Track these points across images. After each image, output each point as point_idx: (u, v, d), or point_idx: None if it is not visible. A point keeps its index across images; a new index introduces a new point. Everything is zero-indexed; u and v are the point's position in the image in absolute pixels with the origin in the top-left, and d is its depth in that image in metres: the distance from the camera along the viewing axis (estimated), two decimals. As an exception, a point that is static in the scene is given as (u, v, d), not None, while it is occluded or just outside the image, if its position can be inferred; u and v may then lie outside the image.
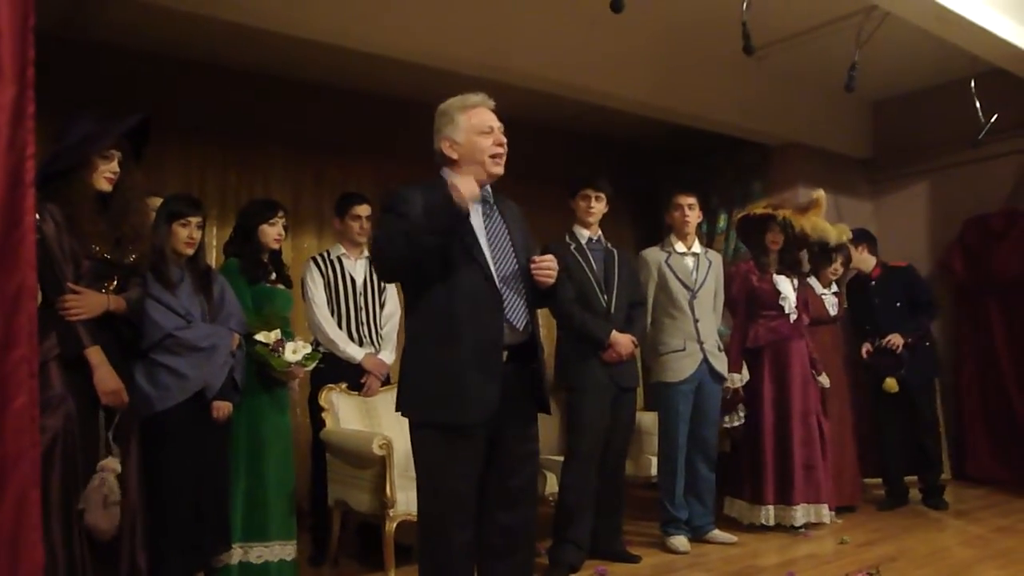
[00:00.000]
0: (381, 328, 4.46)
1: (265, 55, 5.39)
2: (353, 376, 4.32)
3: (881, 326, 5.45)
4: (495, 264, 2.62)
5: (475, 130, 2.65)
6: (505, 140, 2.68)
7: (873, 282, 5.59)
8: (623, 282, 4.28)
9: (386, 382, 4.47)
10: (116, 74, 5.07)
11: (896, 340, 5.37)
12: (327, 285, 4.35)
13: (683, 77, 5.75)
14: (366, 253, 4.50)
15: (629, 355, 4.18)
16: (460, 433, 2.55)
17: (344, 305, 4.38)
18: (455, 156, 2.68)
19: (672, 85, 5.72)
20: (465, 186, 2.47)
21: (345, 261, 4.43)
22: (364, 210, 4.45)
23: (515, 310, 2.62)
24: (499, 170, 2.67)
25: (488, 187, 2.72)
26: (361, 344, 4.37)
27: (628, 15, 3.88)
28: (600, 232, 4.34)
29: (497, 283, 2.59)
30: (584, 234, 4.29)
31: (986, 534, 4.66)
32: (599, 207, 4.30)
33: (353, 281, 4.40)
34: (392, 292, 4.55)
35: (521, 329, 2.63)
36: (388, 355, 4.47)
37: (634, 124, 6.50)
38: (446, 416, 2.55)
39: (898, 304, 5.48)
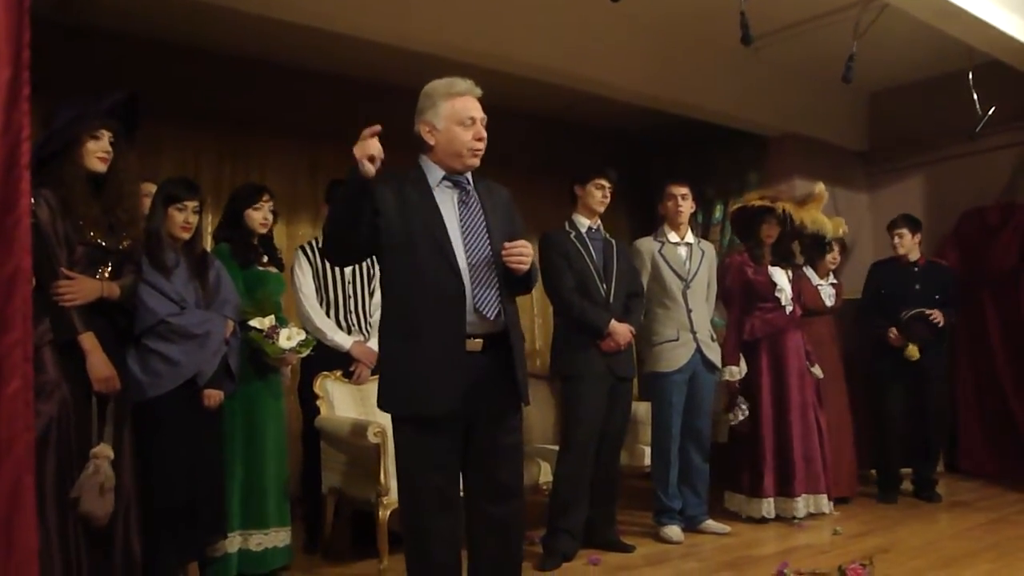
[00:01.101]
0: (371, 316, 4.45)
1: (260, 41, 5.36)
2: (344, 365, 4.32)
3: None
4: (467, 253, 2.57)
5: (456, 119, 2.59)
6: (485, 134, 2.63)
7: (916, 268, 5.59)
8: (621, 272, 4.27)
9: (376, 370, 4.44)
10: (111, 59, 5.04)
11: (939, 315, 5.37)
12: (316, 274, 4.32)
13: (680, 67, 5.73)
14: None
15: (627, 344, 4.19)
16: (430, 425, 2.52)
17: (333, 293, 4.36)
18: (432, 142, 2.63)
19: (669, 75, 5.71)
20: (360, 147, 2.42)
21: None
22: None
23: (485, 300, 2.55)
24: (475, 163, 2.63)
25: (468, 174, 2.68)
26: (350, 332, 4.35)
27: (626, 4, 3.87)
28: (600, 222, 4.34)
29: (463, 273, 2.54)
30: (584, 223, 4.28)
31: (979, 526, 4.68)
32: (609, 197, 4.30)
33: (342, 269, 4.38)
34: None
35: (492, 318, 2.56)
36: (377, 343, 4.44)
37: (631, 114, 6.49)
38: (412, 408, 2.54)
39: (937, 296, 5.49)
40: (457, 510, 2.63)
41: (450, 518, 2.59)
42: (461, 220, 2.61)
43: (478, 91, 2.66)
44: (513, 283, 2.64)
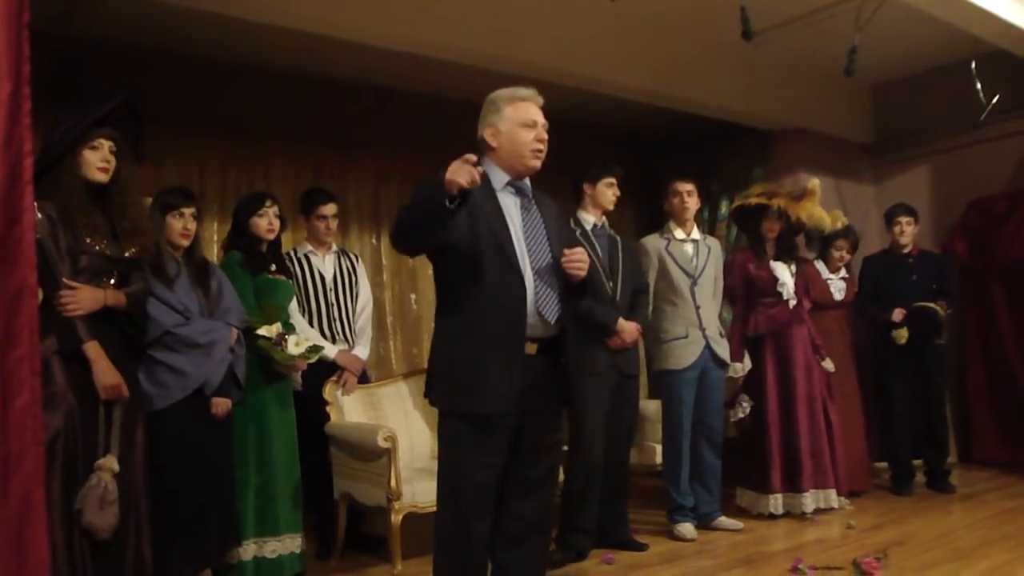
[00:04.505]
0: (355, 323, 4.43)
1: (262, 49, 5.36)
2: (330, 374, 4.27)
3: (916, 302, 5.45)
4: (531, 257, 2.65)
5: (518, 122, 2.69)
6: (547, 137, 2.71)
7: (911, 259, 5.59)
8: (627, 269, 4.27)
9: (362, 379, 4.44)
10: (114, 70, 5.04)
11: (940, 306, 5.39)
12: (296, 284, 4.25)
13: (682, 64, 5.72)
14: (335, 248, 4.48)
15: (634, 342, 4.18)
16: (485, 423, 2.56)
17: (315, 303, 4.33)
18: (495, 145, 2.71)
19: (671, 72, 5.70)
20: (457, 172, 2.33)
21: (313, 258, 4.39)
22: (330, 209, 4.37)
23: (547, 304, 2.63)
24: (536, 164, 2.71)
25: (527, 180, 2.76)
26: (334, 341, 4.32)
27: (625, 2, 3.86)
28: (605, 219, 4.33)
29: (525, 276, 2.60)
30: (590, 220, 4.27)
31: (993, 516, 4.66)
32: (618, 193, 4.31)
33: (323, 278, 4.36)
34: (365, 285, 4.53)
35: (553, 322, 2.64)
36: (363, 350, 4.43)
37: (634, 111, 6.47)
38: (469, 406, 2.57)
39: (934, 287, 5.50)
40: (493, 509, 2.66)
41: (488, 516, 2.63)
42: (524, 226, 2.70)
43: (540, 99, 2.75)
44: (570, 289, 2.70)
